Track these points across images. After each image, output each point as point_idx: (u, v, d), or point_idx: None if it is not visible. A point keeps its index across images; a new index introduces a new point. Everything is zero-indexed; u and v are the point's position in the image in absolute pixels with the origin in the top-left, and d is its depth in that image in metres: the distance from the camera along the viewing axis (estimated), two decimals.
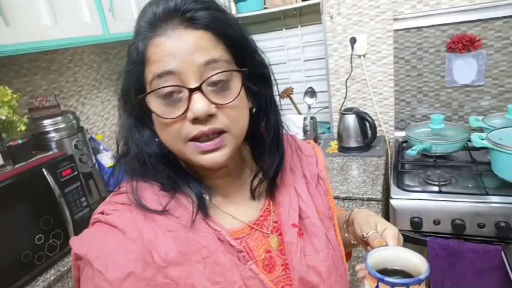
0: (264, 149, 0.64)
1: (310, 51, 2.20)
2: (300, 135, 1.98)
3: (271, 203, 0.66)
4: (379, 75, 1.94)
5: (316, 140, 2.06)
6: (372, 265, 0.50)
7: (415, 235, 1.42)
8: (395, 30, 1.84)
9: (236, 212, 0.62)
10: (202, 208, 0.57)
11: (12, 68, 1.59)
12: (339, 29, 1.94)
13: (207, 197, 0.59)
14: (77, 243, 0.53)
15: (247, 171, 0.67)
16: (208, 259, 0.53)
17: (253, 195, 0.65)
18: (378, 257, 0.52)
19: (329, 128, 2.22)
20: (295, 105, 2.12)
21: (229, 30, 0.53)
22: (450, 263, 1.35)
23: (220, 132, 0.53)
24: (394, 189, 1.49)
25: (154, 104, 0.53)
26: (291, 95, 2.10)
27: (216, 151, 0.53)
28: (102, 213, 0.56)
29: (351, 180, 1.62)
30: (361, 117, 1.85)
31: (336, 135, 2.03)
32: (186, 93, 0.51)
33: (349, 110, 1.89)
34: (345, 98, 2.02)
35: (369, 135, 1.87)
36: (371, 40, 1.90)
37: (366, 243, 0.63)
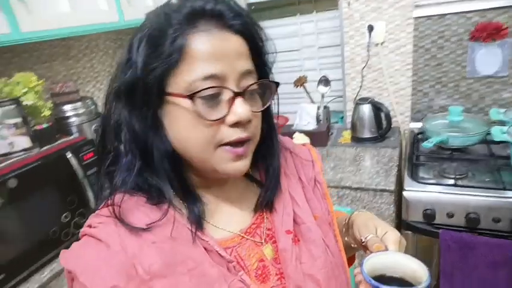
0: (259, 156, 0.62)
1: (325, 38, 2.15)
2: (312, 125, 1.96)
3: (264, 210, 0.64)
4: (397, 64, 1.90)
5: (329, 129, 2.04)
6: (368, 271, 0.48)
7: (427, 227, 1.41)
8: (416, 18, 1.79)
9: (227, 220, 0.61)
10: (198, 224, 0.55)
11: (33, 55, 1.61)
12: (356, 16, 1.89)
13: (200, 210, 0.57)
14: (65, 256, 0.52)
15: (240, 180, 0.65)
16: (195, 271, 0.51)
17: (255, 209, 0.63)
18: (375, 262, 0.51)
19: (342, 117, 2.19)
20: (308, 94, 2.10)
21: (260, 40, 0.55)
22: (462, 255, 1.34)
23: (248, 141, 0.54)
24: (407, 180, 1.47)
25: (194, 103, 0.50)
26: (305, 84, 2.07)
27: (242, 159, 0.54)
28: (90, 226, 0.54)
29: (363, 171, 1.61)
30: (377, 107, 1.82)
31: (349, 125, 2.00)
32: (227, 96, 0.51)
33: (364, 100, 1.86)
34: (360, 87, 1.99)
35: (384, 126, 1.84)
36: (389, 28, 1.85)
37: (365, 248, 0.61)
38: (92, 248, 0.51)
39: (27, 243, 1.18)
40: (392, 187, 1.46)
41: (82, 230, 0.55)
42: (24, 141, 1.35)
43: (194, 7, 0.51)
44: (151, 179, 0.55)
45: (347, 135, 1.99)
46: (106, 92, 0.56)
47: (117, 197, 0.54)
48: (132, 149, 0.54)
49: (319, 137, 1.91)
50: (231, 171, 0.54)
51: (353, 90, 2.03)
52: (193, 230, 0.54)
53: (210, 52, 0.50)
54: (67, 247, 0.53)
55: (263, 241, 0.61)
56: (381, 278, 0.48)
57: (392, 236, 0.57)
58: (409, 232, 1.46)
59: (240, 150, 0.53)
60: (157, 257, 0.50)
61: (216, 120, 0.51)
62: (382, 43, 1.88)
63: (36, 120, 1.42)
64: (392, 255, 0.53)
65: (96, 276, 0.48)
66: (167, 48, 0.50)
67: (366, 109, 1.84)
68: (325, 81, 2.04)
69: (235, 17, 0.52)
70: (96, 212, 0.56)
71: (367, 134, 1.86)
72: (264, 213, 0.63)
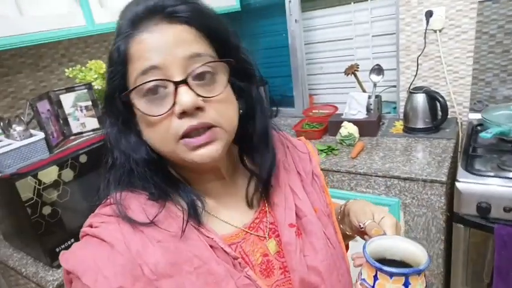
0: (253, 150, 0.63)
1: (379, 26, 2.11)
2: (362, 114, 1.94)
3: (266, 204, 0.64)
4: (457, 51, 1.82)
5: (380, 119, 2.01)
6: (370, 254, 0.49)
7: (481, 221, 1.36)
8: (481, 2, 1.69)
9: (229, 216, 0.60)
10: (195, 216, 0.55)
11: (103, 45, 1.74)
12: (414, 2, 1.83)
13: (200, 204, 0.56)
14: (65, 257, 0.51)
15: (239, 174, 0.65)
16: (201, 269, 0.51)
17: (250, 203, 0.63)
18: (376, 246, 0.51)
19: (395, 107, 2.14)
20: (359, 82, 2.07)
21: (211, 24, 0.53)
22: None
23: (210, 127, 0.52)
24: (461, 172, 1.42)
25: (139, 102, 0.51)
26: (356, 72, 2.05)
27: (208, 145, 0.52)
28: (91, 226, 0.54)
29: (414, 161, 1.57)
30: (432, 97, 1.76)
31: (401, 116, 1.95)
32: (171, 87, 0.50)
33: (418, 89, 1.80)
34: (415, 76, 1.93)
35: (439, 117, 1.77)
36: (450, 13, 1.77)
37: (363, 234, 0.62)
38: (94, 248, 0.51)
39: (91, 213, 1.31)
40: (444, 178, 1.42)
41: (82, 230, 0.54)
42: (93, 122, 1.50)
43: (131, 13, 0.51)
44: (143, 179, 0.55)
45: (399, 125, 1.95)
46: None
47: (119, 195, 0.54)
48: (119, 156, 0.55)
49: (368, 127, 1.89)
50: (199, 160, 0.52)
51: (407, 80, 1.98)
52: (196, 226, 0.54)
53: (144, 48, 0.50)
54: None
55: (267, 236, 0.61)
56: (382, 261, 0.48)
57: (389, 220, 0.58)
58: (461, 225, 1.42)
59: (200, 138, 0.51)
60: (163, 256, 0.50)
61: (162, 114, 0.50)
62: (441, 30, 1.81)
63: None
64: (392, 239, 0.53)
65: (100, 277, 0.47)
66: (116, 57, 0.52)
67: (420, 98, 1.79)
68: (378, 69, 2.00)
69: (174, 6, 0.51)
70: (96, 211, 0.56)
71: (420, 125, 1.81)
72: (266, 208, 0.64)
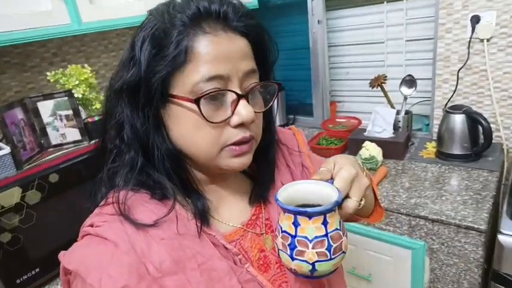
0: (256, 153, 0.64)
1: (415, 30, 1.83)
2: (388, 133, 1.68)
3: (261, 201, 0.65)
4: (507, 66, 1.51)
5: (409, 139, 1.74)
6: (285, 203, 0.48)
7: None
8: None
9: (229, 214, 0.62)
10: (204, 219, 0.56)
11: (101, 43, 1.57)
12: (458, 4, 1.55)
13: (206, 206, 0.58)
14: (67, 257, 0.50)
15: (238, 174, 0.67)
16: (204, 265, 0.52)
17: (250, 201, 0.64)
18: (288, 194, 0.51)
19: (427, 124, 1.86)
20: (387, 96, 1.81)
21: (263, 42, 0.56)
22: None
23: (252, 139, 0.55)
24: (505, 221, 1.16)
25: (199, 106, 0.50)
26: (383, 84, 1.78)
27: (245, 155, 0.55)
28: (92, 225, 0.53)
29: (447, 198, 1.31)
30: (473, 119, 1.47)
31: (435, 136, 1.68)
32: (230, 98, 0.52)
33: (457, 108, 1.52)
34: (454, 91, 1.63)
35: (481, 142, 1.49)
36: (502, 20, 1.47)
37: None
38: (97, 247, 0.50)
39: (64, 238, 1.11)
40: (483, 226, 1.15)
41: (83, 229, 0.54)
42: (74, 134, 1.33)
43: (199, 8, 0.50)
44: (154, 175, 0.55)
45: (431, 148, 1.67)
46: (106, 89, 0.57)
47: (121, 194, 0.53)
48: (134, 147, 0.54)
49: (394, 149, 1.63)
50: (236, 166, 0.55)
51: (444, 95, 1.69)
52: (199, 225, 0.55)
53: (214, 54, 0.50)
54: None
55: (264, 232, 0.62)
56: (302, 207, 0.48)
57: (343, 172, 0.52)
58: (501, 286, 1.15)
59: (244, 147, 0.54)
60: (167, 253, 0.50)
61: (220, 122, 0.51)
62: (489, 39, 1.51)
63: (88, 113, 1.40)
64: (302, 184, 0.53)
65: (105, 276, 0.47)
66: (172, 50, 0.50)
67: (459, 119, 1.51)
68: (409, 81, 1.74)
69: (240, 18, 0.52)
70: (97, 210, 0.55)
71: (457, 150, 1.53)
72: (262, 205, 0.65)
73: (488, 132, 1.44)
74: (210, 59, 0.50)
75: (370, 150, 1.57)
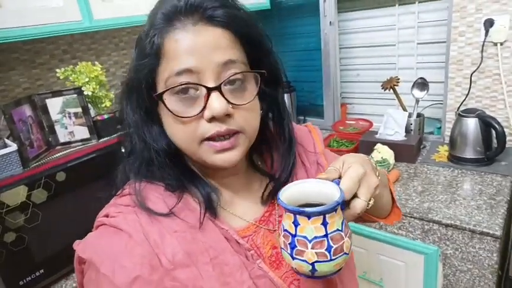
0: (270, 149, 0.65)
1: (427, 33, 1.82)
2: (400, 136, 1.65)
3: (274, 198, 0.64)
4: None
5: (421, 142, 1.71)
6: (288, 202, 0.48)
7: None
8: None
9: (242, 210, 0.61)
10: (211, 209, 0.56)
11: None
12: (471, 8, 1.52)
13: (215, 197, 0.57)
14: (82, 247, 0.51)
15: (251, 169, 0.65)
16: (217, 259, 0.52)
17: (263, 199, 0.63)
18: (291, 193, 0.50)
19: (439, 127, 1.83)
20: (399, 99, 1.78)
21: (246, 29, 0.53)
22: None
23: (235, 133, 0.52)
24: None
25: (169, 101, 0.51)
26: (396, 86, 1.76)
27: (230, 150, 0.53)
28: (107, 216, 0.54)
29: (460, 203, 1.28)
30: (486, 123, 1.45)
31: (447, 139, 1.65)
32: (203, 91, 0.50)
33: (470, 112, 1.50)
34: (467, 95, 1.61)
35: (494, 146, 1.46)
36: None
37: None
38: (112, 238, 0.51)
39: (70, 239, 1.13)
40: (498, 231, 1.12)
41: (98, 219, 0.55)
42: (83, 132, 1.32)
43: (170, 6, 0.51)
44: (163, 168, 0.55)
45: (443, 151, 1.64)
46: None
47: (137, 186, 0.55)
48: (139, 143, 0.56)
49: (406, 152, 1.60)
50: (220, 163, 0.53)
51: (457, 98, 1.66)
52: (211, 218, 0.55)
53: (181, 48, 0.49)
54: None
55: (276, 229, 0.62)
56: (305, 206, 0.48)
57: (351, 171, 0.50)
58: None
59: (224, 143, 0.52)
60: (180, 246, 0.50)
61: (191, 116, 0.51)
62: (502, 43, 1.49)
63: (97, 111, 1.39)
64: (306, 183, 0.51)
65: (118, 266, 0.48)
66: (147, 49, 0.51)
67: (472, 123, 1.48)
68: (421, 84, 1.71)
69: (214, 8, 0.50)
70: (112, 201, 0.57)
71: (470, 154, 1.50)
72: (275, 201, 0.64)
73: (501, 137, 1.41)
74: (178, 53, 0.49)
75: (382, 153, 1.55)
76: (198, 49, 0.49)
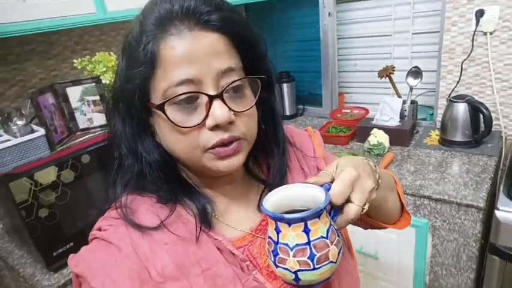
0: (261, 156, 0.63)
1: (422, 23, 1.91)
2: (395, 121, 1.76)
3: None
4: (508, 58, 1.60)
5: (414, 127, 1.83)
6: (276, 207, 0.47)
7: None
8: None
9: (238, 219, 0.60)
10: (205, 221, 0.55)
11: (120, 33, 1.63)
12: None
13: (209, 209, 0.56)
14: (75, 261, 0.51)
15: (247, 177, 0.64)
16: (209, 271, 0.51)
17: (259, 207, 0.60)
18: (278, 198, 0.49)
19: (432, 114, 1.94)
20: (394, 86, 1.89)
21: (243, 33, 0.51)
22: None
23: (237, 139, 0.52)
24: (502, 199, 1.25)
25: (169, 111, 0.49)
26: (391, 75, 1.86)
27: (233, 156, 0.52)
28: (99, 229, 0.53)
29: (449, 180, 1.40)
30: (475, 108, 1.56)
31: (438, 124, 1.76)
32: (204, 100, 0.49)
33: (460, 98, 1.61)
34: (458, 82, 1.72)
35: (481, 130, 1.58)
36: (505, 13, 1.55)
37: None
38: (102, 252, 0.51)
39: (94, 216, 1.24)
40: (481, 204, 1.24)
41: (91, 233, 0.54)
42: (101, 118, 1.42)
43: (163, 10, 0.48)
44: (154, 180, 0.54)
45: (435, 135, 1.76)
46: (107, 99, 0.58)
47: (127, 199, 0.54)
48: (129, 155, 0.54)
49: (400, 136, 1.72)
50: (223, 169, 0.52)
51: (448, 85, 1.77)
52: (199, 225, 0.54)
53: (180, 56, 0.47)
54: None
55: None
56: (290, 213, 0.46)
57: (343, 174, 0.48)
58: (496, 257, 1.25)
59: (227, 149, 0.51)
60: (170, 259, 0.49)
61: (194, 126, 0.49)
62: (492, 32, 1.59)
63: None
64: (293, 188, 0.50)
65: (109, 280, 0.47)
66: (141, 57, 0.49)
67: (461, 108, 1.59)
68: (415, 72, 1.82)
69: (209, 12, 0.48)
70: (105, 214, 0.56)
71: (459, 137, 1.62)
72: None
73: (488, 120, 1.52)
74: (176, 62, 0.47)
75: (378, 137, 1.66)
76: (197, 57, 0.47)
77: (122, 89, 0.52)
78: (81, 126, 1.41)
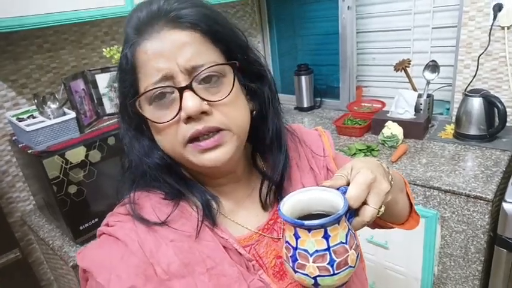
0: (266, 151, 0.61)
1: (441, 18, 1.91)
2: (409, 114, 1.79)
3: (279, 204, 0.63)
4: None
5: (429, 121, 1.84)
6: (291, 211, 0.46)
7: None
8: None
9: (245, 218, 0.59)
10: (209, 217, 0.55)
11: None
12: None
13: (214, 205, 0.56)
14: (82, 256, 0.52)
15: (254, 175, 0.64)
16: (214, 270, 0.51)
17: (264, 205, 0.61)
18: (295, 202, 0.48)
19: (448, 108, 1.95)
20: (410, 79, 1.91)
21: (215, 27, 0.51)
22: None
23: (218, 131, 0.51)
24: (511, 191, 1.26)
25: (146, 110, 0.51)
26: (407, 68, 1.88)
27: (217, 148, 0.51)
28: (107, 225, 0.55)
29: (459, 173, 1.42)
30: (490, 102, 1.57)
31: (454, 119, 1.78)
32: (176, 93, 0.49)
33: (476, 92, 1.62)
34: (474, 76, 1.73)
35: (496, 124, 1.58)
36: None
37: None
38: (109, 247, 0.51)
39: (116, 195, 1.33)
40: (490, 195, 1.27)
41: (99, 229, 0.55)
42: None
43: (136, 18, 0.51)
44: (159, 178, 0.55)
45: (450, 129, 1.77)
46: None
47: (135, 195, 0.55)
48: (134, 160, 0.56)
49: (414, 129, 1.74)
50: (208, 163, 0.51)
51: (465, 80, 1.78)
52: (210, 226, 0.54)
53: (151, 57, 0.49)
54: None
55: (281, 237, 0.59)
56: (306, 217, 0.46)
57: (359, 177, 0.48)
58: (504, 250, 1.27)
59: (208, 142, 0.50)
60: (176, 256, 0.50)
61: (168, 121, 0.50)
62: (509, 27, 1.59)
63: None
64: (310, 192, 0.49)
65: (114, 276, 0.48)
66: (124, 65, 0.52)
67: (476, 103, 1.60)
68: (432, 66, 1.83)
69: (178, 9, 0.49)
70: (114, 210, 0.57)
71: (473, 131, 1.63)
72: None
73: (503, 115, 1.53)
74: (149, 64, 0.49)
75: (392, 129, 1.69)
76: (165, 54, 0.48)
77: (118, 96, 0.56)
78: (108, 111, 1.51)
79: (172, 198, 0.55)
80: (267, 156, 0.62)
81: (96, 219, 1.32)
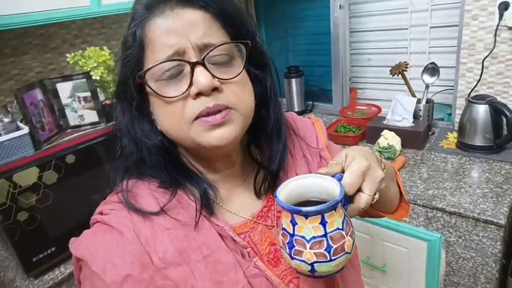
0: (263, 140, 0.61)
1: (440, 17, 1.77)
2: (408, 122, 1.64)
3: (272, 192, 0.62)
4: None
5: (429, 128, 1.69)
6: (288, 198, 0.47)
7: None
8: None
9: (239, 206, 0.60)
10: (207, 206, 0.54)
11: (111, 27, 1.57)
12: None
13: (212, 194, 0.56)
14: (75, 244, 0.51)
15: (248, 162, 0.63)
16: (210, 258, 0.51)
17: (258, 193, 0.61)
18: (292, 189, 0.49)
19: (450, 114, 1.80)
20: (408, 84, 1.76)
21: (226, 9, 0.52)
22: None
23: (225, 108, 0.50)
24: None
25: (154, 84, 0.50)
26: (404, 72, 1.73)
27: (224, 126, 0.50)
28: (101, 213, 0.54)
29: (466, 191, 1.27)
30: (497, 110, 1.42)
31: (457, 126, 1.63)
32: (187, 68, 0.49)
33: (481, 98, 1.47)
34: (478, 81, 1.58)
35: (504, 134, 1.44)
36: None
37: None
38: (104, 235, 0.51)
39: (79, 219, 1.15)
40: (502, 220, 1.12)
41: (93, 217, 0.54)
42: (92, 115, 1.35)
43: None
44: (155, 166, 0.55)
45: (452, 138, 1.63)
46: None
47: (129, 183, 0.54)
48: (130, 142, 0.55)
49: (414, 138, 1.59)
50: (214, 142, 0.50)
51: (468, 84, 1.63)
52: (206, 215, 0.54)
53: (163, 33, 0.49)
54: None
55: (275, 225, 0.60)
56: (303, 204, 0.47)
57: (354, 164, 0.49)
58: None
59: (216, 117, 0.49)
60: (172, 244, 0.50)
61: (178, 96, 0.49)
62: None
63: (106, 95, 1.42)
64: (307, 178, 0.50)
65: (110, 264, 0.47)
66: (131, 41, 0.51)
67: (482, 110, 1.45)
68: (432, 69, 1.69)
69: None
70: (107, 199, 0.56)
71: (478, 141, 1.48)
72: (273, 196, 0.60)
73: (511, 124, 1.39)
74: (160, 40, 0.49)
75: (389, 139, 1.54)
76: (178, 30, 0.48)
77: (120, 73, 0.53)
78: (72, 123, 1.35)
79: (168, 186, 0.55)
80: (263, 147, 0.63)
81: (53, 249, 1.15)
